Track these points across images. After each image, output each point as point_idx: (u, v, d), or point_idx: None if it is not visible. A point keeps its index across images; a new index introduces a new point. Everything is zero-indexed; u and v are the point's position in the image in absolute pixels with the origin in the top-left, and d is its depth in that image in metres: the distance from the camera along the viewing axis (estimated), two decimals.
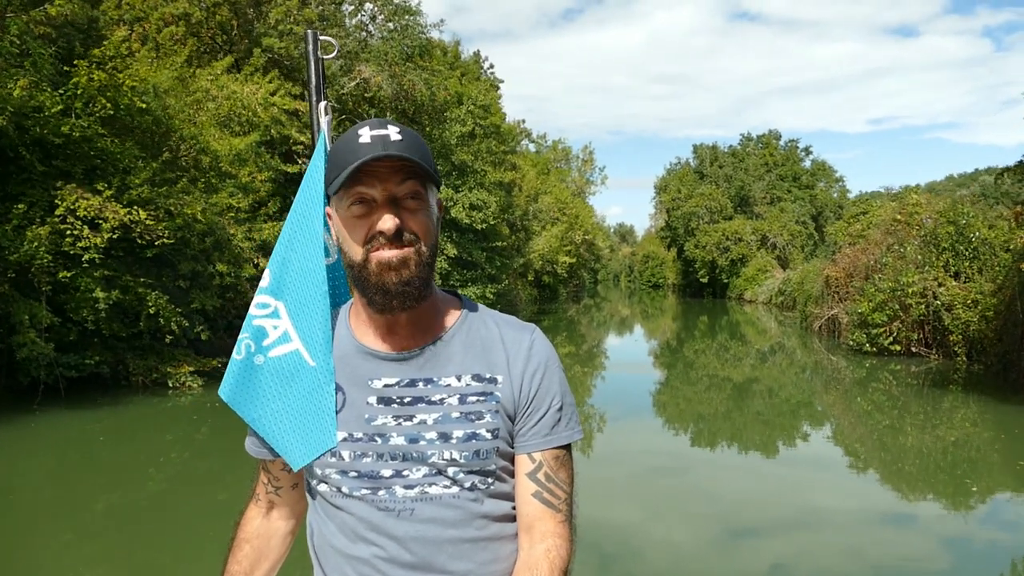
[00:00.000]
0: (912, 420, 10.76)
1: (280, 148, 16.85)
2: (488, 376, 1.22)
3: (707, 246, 47.64)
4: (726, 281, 47.43)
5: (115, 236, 10.22)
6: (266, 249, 13.30)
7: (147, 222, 10.19)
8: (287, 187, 17.75)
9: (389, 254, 1.14)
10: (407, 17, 21.24)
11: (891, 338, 16.09)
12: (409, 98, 20.28)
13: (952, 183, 78.62)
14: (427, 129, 21.41)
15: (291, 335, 1.26)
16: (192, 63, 14.37)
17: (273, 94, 14.21)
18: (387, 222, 1.13)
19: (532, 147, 51.35)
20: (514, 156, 32.45)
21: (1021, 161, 13.18)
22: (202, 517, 6.31)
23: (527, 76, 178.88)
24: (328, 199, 1.23)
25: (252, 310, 1.30)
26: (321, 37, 1.49)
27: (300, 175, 14.54)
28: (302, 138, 14.89)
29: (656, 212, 67.13)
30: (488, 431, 1.20)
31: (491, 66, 33.63)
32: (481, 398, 1.21)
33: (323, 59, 1.49)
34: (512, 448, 1.24)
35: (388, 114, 20.35)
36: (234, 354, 1.29)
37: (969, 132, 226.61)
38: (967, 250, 15.50)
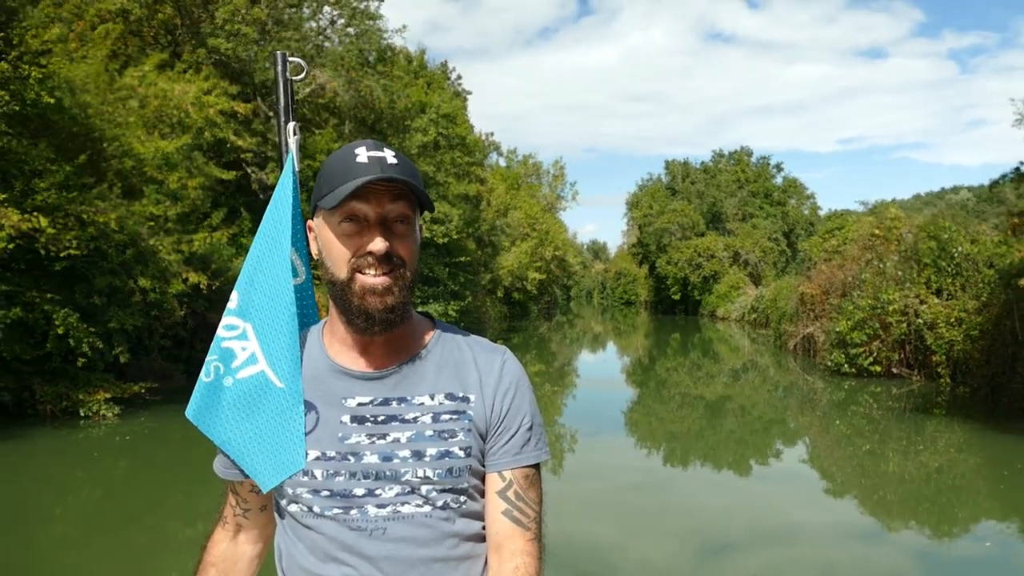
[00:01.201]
0: (894, 445, 10.29)
1: (228, 156, 15.83)
2: (461, 395, 1.23)
3: (679, 262, 47.26)
4: (698, 298, 47.02)
5: (12, 247, 9.07)
6: (199, 263, 12.18)
7: (49, 231, 9.05)
8: (236, 197, 16.68)
9: (375, 280, 1.16)
10: (367, 22, 20.42)
11: (871, 358, 15.37)
12: (368, 106, 19.41)
13: (919, 202, 79.84)
14: (388, 139, 20.48)
15: (258, 356, 1.24)
16: (118, 58, 13.24)
17: (208, 93, 13.08)
18: (378, 244, 1.15)
19: (502, 161, 50.73)
20: (481, 169, 31.62)
21: (1019, 168, 12.52)
22: (116, 563, 5.63)
23: (502, 95, 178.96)
24: (312, 213, 1.25)
25: (220, 332, 1.27)
26: (290, 59, 1.47)
27: (245, 182, 13.48)
28: (240, 142, 13.77)
29: (628, 229, 66.82)
30: (461, 449, 1.21)
31: (459, 77, 32.87)
32: (454, 416, 1.22)
33: (292, 80, 1.46)
34: (483, 467, 1.24)
35: (347, 123, 19.54)
36: (202, 376, 1.27)
37: (935, 152, 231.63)
38: (949, 266, 14.84)
